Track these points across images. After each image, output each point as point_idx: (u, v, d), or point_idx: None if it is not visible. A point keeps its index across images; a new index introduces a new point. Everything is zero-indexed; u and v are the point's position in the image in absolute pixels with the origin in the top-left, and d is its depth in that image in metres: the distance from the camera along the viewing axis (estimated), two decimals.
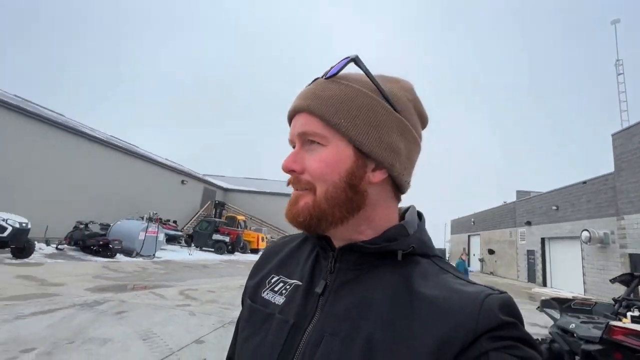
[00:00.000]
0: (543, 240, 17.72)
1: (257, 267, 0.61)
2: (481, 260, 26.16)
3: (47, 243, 10.97)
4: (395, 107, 0.47)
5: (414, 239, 0.48)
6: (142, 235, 11.77)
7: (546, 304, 4.32)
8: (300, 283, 0.51)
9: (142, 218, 13.51)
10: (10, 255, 8.40)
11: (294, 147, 0.50)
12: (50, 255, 9.63)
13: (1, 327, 3.77)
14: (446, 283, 0.44)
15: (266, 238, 21.52)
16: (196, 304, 5.93)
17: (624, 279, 4.27)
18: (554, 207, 16.63)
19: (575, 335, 3.30)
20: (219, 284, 8.27)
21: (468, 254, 27.90)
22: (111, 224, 12.18)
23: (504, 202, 24.57)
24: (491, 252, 24.44)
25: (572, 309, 4.04)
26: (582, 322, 3.37)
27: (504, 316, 0.38)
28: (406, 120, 0.48)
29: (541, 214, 18.07)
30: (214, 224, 17.83)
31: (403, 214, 0.53)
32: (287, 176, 0.50)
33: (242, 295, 0.60)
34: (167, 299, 6.07)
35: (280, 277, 0.55)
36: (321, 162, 0.46)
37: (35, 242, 9.21)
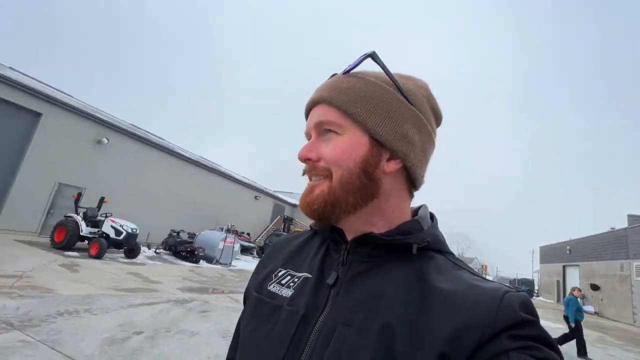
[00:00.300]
0: None
1: (263, 263, 0.60)
2: (582, 297, 22.25)
3: (149, 247, 12.99)
4: (410, 101, 0.48)
5: (428, 234, 0.48)
6: (221, 245, 13.09)
7: None
8: (309, 276, 0.51)
9: (222, 229, 15.04)
10: (123, 255, 10.16)
11: (309, 139, 0.51)
12: (150, 257, 11.34)
13: (120, 312, 4.65)
14: (462, 278, 0.43)
15: None
16: None
17: None
18: None
19: None
20: None
21: (566, 288, 23.92)
22: (197, 234, 13.84)
23: (612, 229, 20.77)
24: (595, 287, 20.66)
25: None
26: None
27: (524, 314, 0.38)
28: (421, 114, 0.49)
29: None
30: None
31: (415, 212, 0.54)
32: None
33: (245, 292, 0.59)
34: (241, 304, 6.64)
35: (288, 271, 0.54)
36: (336, 149, 0.47)
37: (141, 246, 10.98)
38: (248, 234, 20.69)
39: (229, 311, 5.86)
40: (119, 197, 12.43)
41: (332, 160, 0.46)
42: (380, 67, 0.48)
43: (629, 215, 21.07)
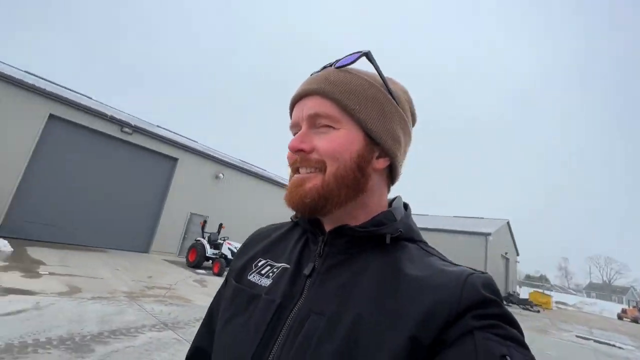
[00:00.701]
0: None
1: (244, 249, 0.61)
2: None
3: None
4: (397, 103, 0.51)
5: (401, 224, 0.49)
6: None
7: None
8: (288, 266, 0.52)
9: None
10: None
11: (295, 133, 0.51)
12: None
13: None
14: (432, 264, 0.45)
15: None
16: None
17: None
18: None
19: None
20: None
21: None
22: None
23: None
24: None
25: None
26: None
27: (486, 293, 0.39)
28: (405, 116, 0.52)
29: None
30: None
31: (390, 203, 0.55)
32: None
33: (227, 275, 0.60)
34: None
35: (268, 261, 0.55)
36: (334, 142, 0.47)
37: None
38: None
39: None
40: (233, 223, 14.44)
41: (329, 153, 0.47)
42: (374, 67, 0.50)
43: None
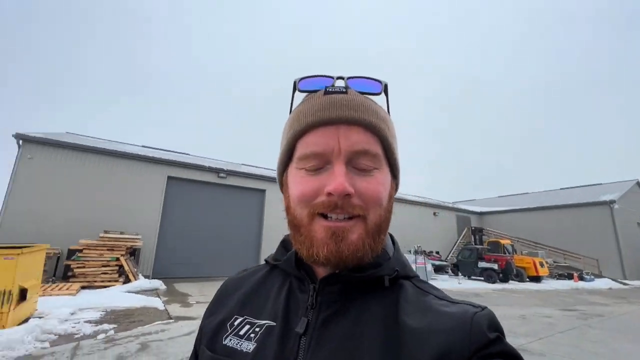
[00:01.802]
0: None
1: (214, 305, 0.52)
2: None
3: None
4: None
5: (396, 261, 0.47)
6: (413, 267, 13.64)
7: None
8: (273, 323, 0.44)
9: (410, 251, 15.66)
10: None
11: (311, 165, 0.43)
12: None
13: None
14: (430, 306, 0.43)
15: (546, 263, 18.01)
16: None
17: None
18: None
19: None
20: (495, 312, 8.12)
21: None
22: None
23: None
24: None
25: None
26: None
27: (491, 333, 0.39)
28: None
29: None
30: (476, 252, 17.38)
31: None
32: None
33: (196, 341, 0.52)
34: None
35: (246, 318, 0.47)
36: (380, 186, 0.43)
37: None
38: (437, 253, 20.31)
39: None
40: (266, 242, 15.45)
41: (375, 198, 0.42)
42: (387, 99, 0.48)
43: None
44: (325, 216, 0.42)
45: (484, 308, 0.43)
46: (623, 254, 19.33)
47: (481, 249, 17.76)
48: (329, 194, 0.41)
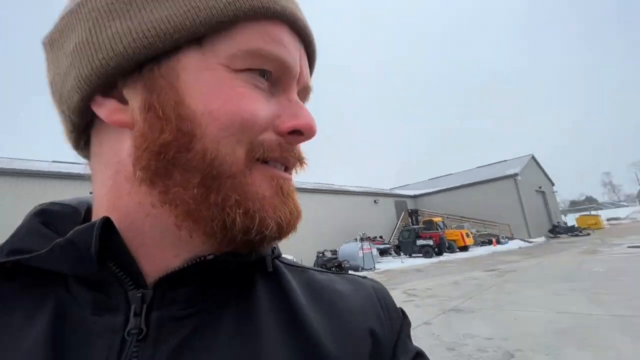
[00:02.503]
0: None
1: None
2: None
3: None
4: None
5: None
6: (360, 253, 14.48)
7: None
8: None
9: (356, 239, 16.54)
10: None
11: (273, 83, 0.29)
12: None
13: None
14: (322, 287, 0.36)
15: (471, 233, 20.59)
16: (418, 299, 7.14)
17: None
18: None
19: None
20: (433, 282, 9.20)
21: None
22: (337, 249, 15.69)
23: None
24: None
25: None
26: None
27: (398, 310, 0.40)
28: None
29: None
30: (414, 231, 19.05)
31: None
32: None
33: None
34: (395, 297, 7.59)
35: None
36: None
37: None
38: (381, 237, 21.73)
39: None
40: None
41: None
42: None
43: None
44: (265, 163, 0.29)
45: (376, 281, 0.39)
46: (527, 217, 23.07)
47: (417, 228, 19.48)
48: (294, 131, 0.29)
